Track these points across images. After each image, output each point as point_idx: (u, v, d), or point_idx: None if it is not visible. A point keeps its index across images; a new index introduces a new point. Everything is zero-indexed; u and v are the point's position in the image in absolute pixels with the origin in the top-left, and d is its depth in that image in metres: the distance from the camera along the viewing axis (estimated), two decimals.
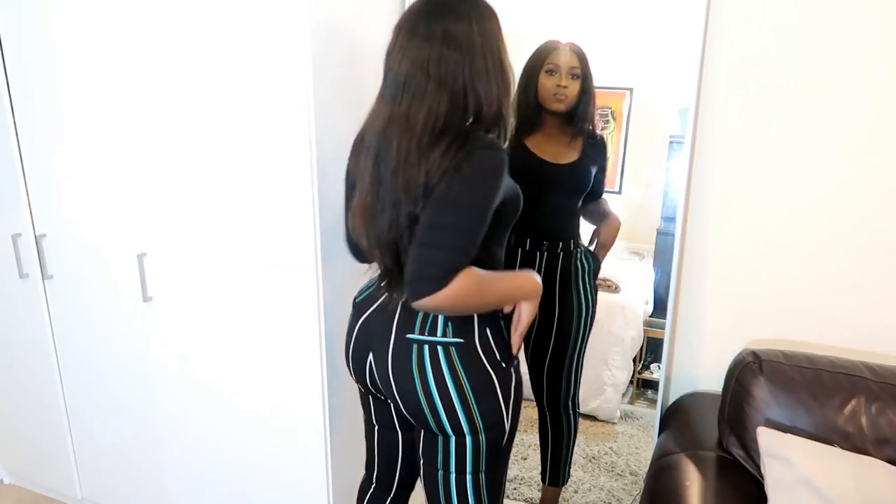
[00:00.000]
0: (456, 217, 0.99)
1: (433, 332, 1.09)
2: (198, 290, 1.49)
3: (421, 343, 1.10)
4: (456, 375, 1.09)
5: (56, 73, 1.50)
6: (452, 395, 1.09)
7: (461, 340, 1.09)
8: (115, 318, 1.64)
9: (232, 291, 1.45)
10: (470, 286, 0.99)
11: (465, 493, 1.19)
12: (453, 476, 1.17)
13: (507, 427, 1.15)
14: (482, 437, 1.13)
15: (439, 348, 1.09)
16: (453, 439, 1.13)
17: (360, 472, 1.43)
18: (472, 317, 1.10)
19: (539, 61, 1.64)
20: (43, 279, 1.72)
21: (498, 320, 1.14)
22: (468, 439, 1.13)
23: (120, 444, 1.78)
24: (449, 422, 1.11)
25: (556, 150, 1.66)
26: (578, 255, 1.74)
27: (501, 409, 1.13)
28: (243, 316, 1.45)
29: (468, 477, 1.17)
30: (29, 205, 1.67)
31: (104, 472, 1.86)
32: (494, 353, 1.11)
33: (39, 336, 1.78)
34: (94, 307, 1.67)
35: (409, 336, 1.10)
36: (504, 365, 1.13)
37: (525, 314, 1.13)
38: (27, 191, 1.66)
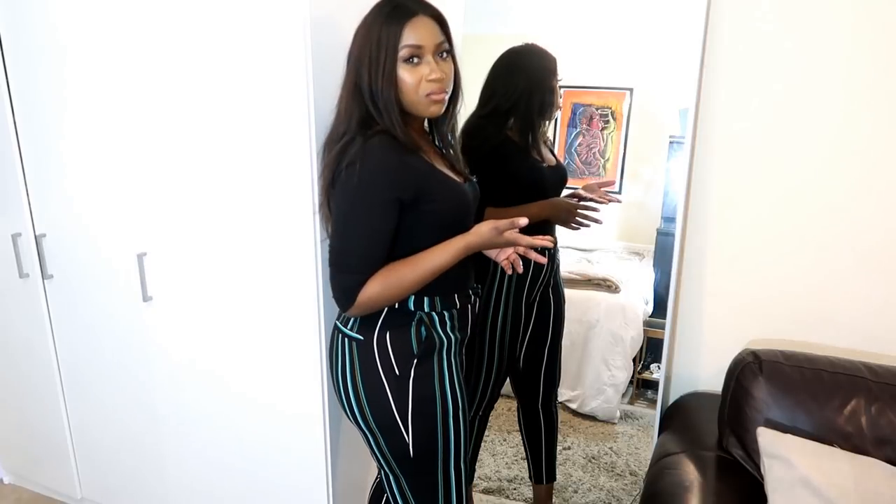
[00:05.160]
0: (345, 240, 1.06)
1: (345, 324, 1.17)
2: (198, 290, 1.49)
3: (336, 330, 1.19)
4: (353, 369, 1.14)
5: (55, 72, 1.50)
6: (349, 386, 1.15)
7: (361, 338, 1.14)
8: (115, 318, 1.64)
9: (232, 291, 1.45)
10: (384, 287, 1.06)
11: (392, 489, 1.23)
12: (383, 468, 1.22)
13: (409, 440, 1.14)
14: (381, 438, 1.16)
15: (346, 340, 1.16)
16: (363, 430, 1.18)
17: (360, 471, 1.43)
18: (377, 318, 1.12)
19: (553, 68, 1.62)
20: (43, 279, 1.72)
21: (407, 327, 1.13)
22: (368, 436, 1.18)
23: (120, 444, 1.78)
24: (348, 410, 1.18)
25: (545, 154, 1.70)
26: (559, 251, 1.80)
27: (395, 416, 1.13)
28: (243, 315, 1.45)
29: (391, 475, 1.21)
30: (29, 205, 1.67)
31: (104, 472, 1.86)
32: (390, 359, 1.12)
33: (39, 336, 1.78)
34: (94, 307, 1.67)
35: (336, 321, 1.20)
36: (398, 374, 1.12)
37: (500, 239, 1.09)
38: (27, 191, 1.66)
